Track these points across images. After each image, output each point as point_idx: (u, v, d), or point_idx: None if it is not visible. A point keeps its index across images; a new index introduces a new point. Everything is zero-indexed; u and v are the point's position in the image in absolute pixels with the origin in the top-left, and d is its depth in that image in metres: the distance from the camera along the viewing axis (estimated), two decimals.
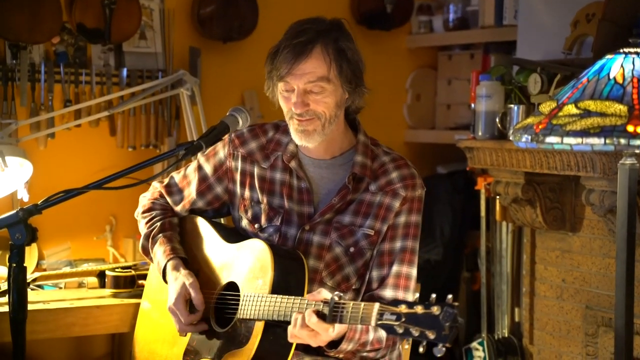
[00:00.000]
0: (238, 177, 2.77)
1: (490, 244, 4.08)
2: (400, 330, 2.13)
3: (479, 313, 4.10)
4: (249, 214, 2.73)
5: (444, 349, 2.07)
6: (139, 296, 3.05)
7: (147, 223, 2.85)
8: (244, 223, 2.75)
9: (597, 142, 2.45)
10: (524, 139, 2.64)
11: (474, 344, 4.02)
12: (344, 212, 2.65)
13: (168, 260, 2.73)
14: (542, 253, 3.75)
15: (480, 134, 3.71)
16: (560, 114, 2.58)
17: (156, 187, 2.91)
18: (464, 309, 4.45)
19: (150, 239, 2.81)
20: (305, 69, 2.55)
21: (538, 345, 3.78)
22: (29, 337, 2.45)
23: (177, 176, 2.88)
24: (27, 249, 2.39)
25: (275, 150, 2.73)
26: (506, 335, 3.97)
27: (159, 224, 2.82)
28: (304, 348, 2.54)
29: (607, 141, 2.44)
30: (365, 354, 2.56)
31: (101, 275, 3.49)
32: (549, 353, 3.72)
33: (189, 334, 2.68)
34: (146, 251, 2.85)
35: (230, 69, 4.23)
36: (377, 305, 2.20)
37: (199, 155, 2.78)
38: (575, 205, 3.60)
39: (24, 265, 2.37)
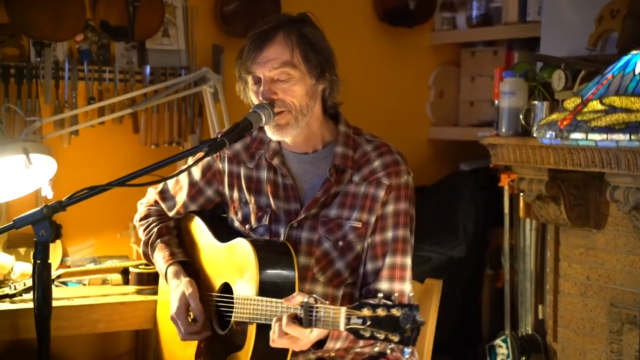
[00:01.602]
0: (226, 179, 2.76)
1: (514, 241, 4.06)
2: (367, 334, 2.11)
3: (503, 310, 4.08)
4: (239, 215, 2.73)
5: (409, 350, 2.07)
6: None
7: (144, 230, 2.89)
8: (236, 224, 2.74)
9: (622, 138, 2.43)
10: (548, 135, 2.62)
11: (498, 341, 4.01)
12: (330, 205, 2.62)
13: (168, 267, 2.75)
14: (566, 250, 3.73)
15: (503, 130, 3.70)
16: (585, 110, 2.56)
17: (151, 193, 2.95)
18: (488, 307, 4.43)
19: (149, 246, 2.85)
20: (269, 56, 2.54)
21: (562, 342, 3.76)
22: (54, 334, 2.46)
23: (170, 182, 2.89)
24: (51, 245, 2.40)
25: (259, 149, 2.71)
26: (530, 332, 3.95)
27: (155, 229, 2.85)
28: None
29: (633, 137, 2.42)
30: (359, 349, 2.53)
31: (125, 272, 3.51)
32: (573, 350, 3.70)
33: None
34: (147, 258, 2.89)
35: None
36: (344, 309, 2.18)
37: (189, 159, 2.78)
38: (599, 202, 3.58)
39: (49, 262, 2.38)
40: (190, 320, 2.66)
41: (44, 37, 3.68)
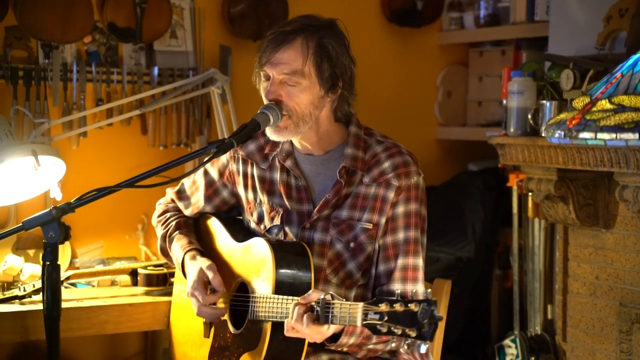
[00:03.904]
0: (240, 180, 2.77)
1: (523, 241, 4.06)
2: (384, 330, 2.12)
3: (512, 310, 4.08)
4: (254, 215, 2.74)
5: (426, 346, 2.07)
6: (171, 294, 3.07)
7: (162, 225, 2.89)
8: (252, 225, 2.75)
9: (631, 137, 2.43)
10: (557, 135, 2.62)
11: (507, 341, 4.00)
12: (341, 207, 2.62)
13: (186, 253, 2.75)
14: (575, 250, 3.72)
15: (512, 130, 3.69)
16: (594, 109, 2.56)
17: (168, 193, 2.96)
18: (497, 307, 4.43)
19: (167, 238, 2.85)
20: (282, 59, 2.54)
21: (571, 342, 3.75)
22: (63, 335, 2.47)
23: (187, 182, 2.90)
24: (60, 247, 2.41)
25: (272, 151, 2.71)
26: (539, 332, 3.94)
27: (173, 223, 2.85)
28: (321, 345, 2.50)
29: None
30: (371, 346, 2.52)
31: (133, 273, 3.51)
32: (583, 350, 3.69)
33: (211, 335, 2.70)
34: (165, 252, 2.88)
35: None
36: (361, 305, 2.19)
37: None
38: (608, 201, 3.57)
39: (58, 263, 2.38)
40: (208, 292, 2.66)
41: (52, 39, 3.69)
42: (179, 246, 2.78)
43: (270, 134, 2.60)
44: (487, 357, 4.36)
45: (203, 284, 2.64)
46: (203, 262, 2.66)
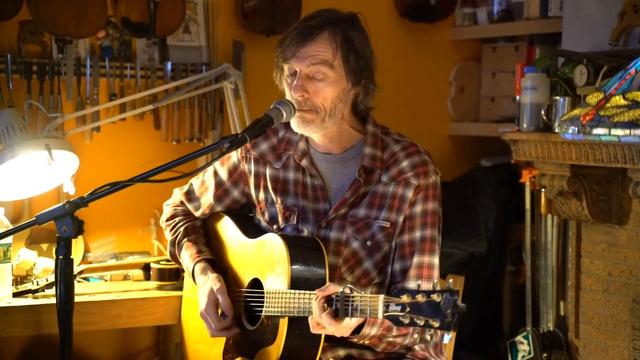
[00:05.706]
0: (252, 179, 2.76)
1: (535, 237, 4.05)
2: (406, 321, 2.10)
3: (524, 307, 4.07)
4: (266, 215, 2.73)
5: (449, 336, 2.06)
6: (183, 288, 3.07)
7: (171, 230, 2.89)
8: (263, 225, 2.74)
9: None
10: (570, 131, 2.62)
11: (519, 338, 3.99)
12: (359, 205, 2.62)
13: (195, 264, 2.75)
14: (588, 246, 3.71)
15: (525, 126, 3.68)
16: (608, 105, 2.55)
17: (176, 194, 2.95)
18: (509, 303, 4.42)
19: (176, 245, 2.85)
20: (310, 52, 2.53)
21: (584, 339, 3.74)
22: (76, 329, 2.47)
23: (196, 182, 2.89)
24: (73, 241, 2.41)
25: (287, 150, 2.70)
26: (551, 329, 3.93)
27: (182, 229, 2.85)
28: (338, 340, 2.51)
29: None
30: (391, 339, 2.52)
31: (146, 267, 3.52)
32: (595, 347, 3.69)
33: None
34: (174, 258, 2.89)
35: (274, 62, 4.22)
36: (382, 297, 2.18)
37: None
38: (621, 197, 3.56)
39: (71, 257, 2.39)
40: (219, 315, 2.66)
41: (66, 34, 3.70)
42: (188, 255, 2.79)
43: (297, 126, 2.58)
44: (499, 353, 4.35)
45: (214, 306, 2.65)
46: (214, 283, 2.66)
